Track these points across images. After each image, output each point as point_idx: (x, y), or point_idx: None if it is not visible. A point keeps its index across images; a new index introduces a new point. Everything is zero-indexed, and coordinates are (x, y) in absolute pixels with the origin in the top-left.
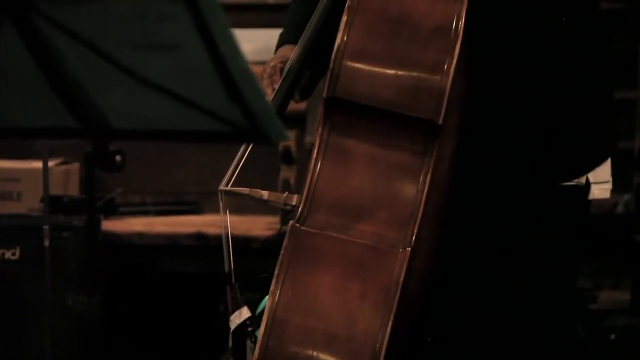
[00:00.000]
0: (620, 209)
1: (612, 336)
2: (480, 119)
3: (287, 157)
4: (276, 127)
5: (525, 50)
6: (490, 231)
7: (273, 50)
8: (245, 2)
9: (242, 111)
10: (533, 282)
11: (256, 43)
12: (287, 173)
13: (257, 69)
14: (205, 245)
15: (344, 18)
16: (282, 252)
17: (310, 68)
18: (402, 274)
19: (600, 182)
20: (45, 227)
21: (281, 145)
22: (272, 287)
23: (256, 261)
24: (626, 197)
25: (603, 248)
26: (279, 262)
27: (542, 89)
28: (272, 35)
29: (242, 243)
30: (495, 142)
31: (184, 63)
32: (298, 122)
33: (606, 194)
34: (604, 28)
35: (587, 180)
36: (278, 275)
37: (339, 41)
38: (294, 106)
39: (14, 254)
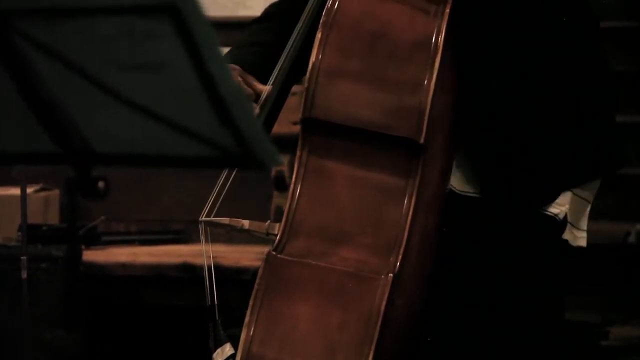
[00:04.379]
0: (632, 239)
1: None
2: (471, 138)
3: (279, 183)
4: (268, 151)
5: (516, 65)
6: (478, 256)
7: None
8: (236, 20)
9: (233, 135)
10: (517, 312)
11: None
12: (279, 200)
13: None
14: (192, 277)
15: (318, 35)
16: (257, 281)
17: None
18: (384, 302)
19: (575, 227)
20: (23, 257)
21: (274, 170)
22: (246, 319)
23: (246, 293)
24: (638, 226)
25: (614, 280)
26: (253, 292)
27: (534, 106)
28: None
29: (232, 274)
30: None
31: (171, 84)
32: (291, 146)
33: (579, 242)
34: (598, 45)
35: (566, 217)
36: (253, 306)
37: (314, 59)
38: (287, 129)
39: None
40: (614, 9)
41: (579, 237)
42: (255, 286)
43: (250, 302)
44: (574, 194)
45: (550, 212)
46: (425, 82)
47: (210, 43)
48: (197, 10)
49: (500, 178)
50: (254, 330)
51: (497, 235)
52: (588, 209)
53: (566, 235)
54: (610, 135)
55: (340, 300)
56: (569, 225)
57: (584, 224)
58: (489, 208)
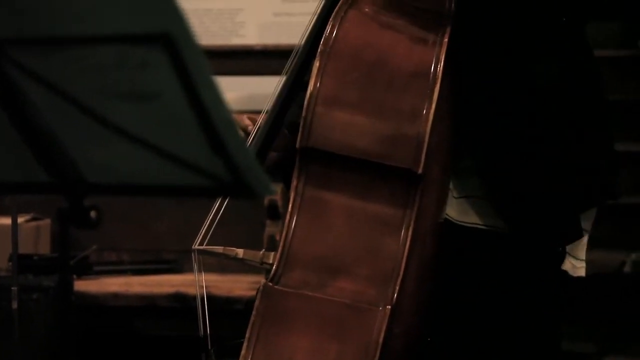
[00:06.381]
0: (627, 268)
1: None
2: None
3: (272, 212)
4: (261, 180)
5: (512, 95)
6: (474, 286)
7: (258, 99)
8: (229, 48)
9: (225, 164)
10: (515, 342)
11: (241, 91)
12: (272, 229)
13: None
14: (185, 307)
15: (316, 64)
16: (253, 313)
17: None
18: (382, 334)
19: (574, 257)
20: (14, 288)
21: (266, 199)
22: (243, 352)
23: (239, 323)
24: (634, 255)
25: (610, 310)
26: (250, 324)
27: (530, 133)
28: (257, 82)
29: (224, 304)
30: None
31: (164, 113)
32: None
33: (578, 272)
34: (595, 71)
35: (564, 248)
36: (249, 338)
37: (312, 88)
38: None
39: None
40: (607, 38)
41: (578, 268)
42: (252, 318)
43: (247, 334)
44: None
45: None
46: (424, 111)
47: (203, 72)
48: (190, 39)
49: (518, 209)
50: None
51: (495, 266)
52: (586, 239)
53: (566, 266)
54: (608, 163)
55: (338, 332)
56: (568, 256)
57: (582, 254)
58: (487, 239)
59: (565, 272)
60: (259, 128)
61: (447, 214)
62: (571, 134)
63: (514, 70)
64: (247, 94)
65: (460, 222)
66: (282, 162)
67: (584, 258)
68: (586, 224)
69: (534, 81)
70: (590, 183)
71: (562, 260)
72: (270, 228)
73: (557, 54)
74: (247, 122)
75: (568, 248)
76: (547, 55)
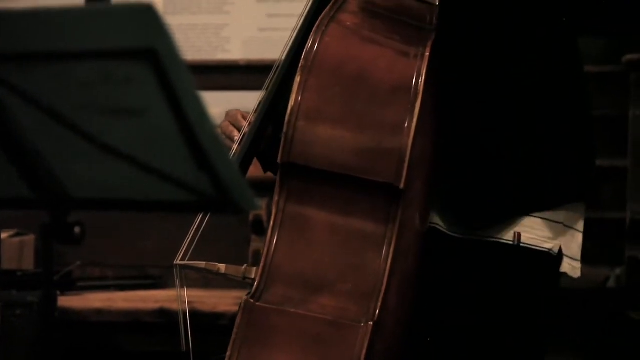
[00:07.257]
0: (611, 283)
1: None
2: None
3: (258, 227)
4: (246, 195)
5: (494, 109)
6: (460, 297)
7: None
8: (214, 63)
9: (210, 179)
10: (501, 351)
11: (226, 106)
12: (258, 244)
13: None
14: (169, 323)
15: (297, 79)
16: (234, 330)
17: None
18: (364, 350)
19: (571, 258)
20: None
21: (252, 214)
22: None
23: (225, 339)
24: (618, 270)
25: (594, 325)
26: (231, 341)
27: (511, 147)
28: (242, 97)
29: (209, 319)
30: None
31: (149, 128)
32: (269, 189)
33: (577, 273)
34: (583, 85)
35: (560, 250)
36: (230, 356)
37: (293, 103)
38: (265, 173)
39: None
40: (591, 54)
41: (577, 268)
42: (233, 335)
43: (228, 352)
44: (564, 225)
45: (544, 248)
46: (406, 125)
47: (188, 87)
48: (175, 54)
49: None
50: None
51: (491, 276)
52: (580, 239)
53: (564, 268)
54: (583, 162)
55: (320, 349)
56: (565, 258)
57: (578, 254)
58: (482, 247)
59: (563, 274)
60: (241, 140)
61: (437, 225)
62: (547, 133)
63: (494, 74)
64: (232, 109)
65: (451, 232)
66: (265, 150)
67: (579, 258)
68: (578, 223)
69: (514, 83)
70: (567, 177)
71: (559, 263)
72: (255, 243)
73: (542, 58)
74: (243, 122)
75: (564, 249)
76: (531, 59)
